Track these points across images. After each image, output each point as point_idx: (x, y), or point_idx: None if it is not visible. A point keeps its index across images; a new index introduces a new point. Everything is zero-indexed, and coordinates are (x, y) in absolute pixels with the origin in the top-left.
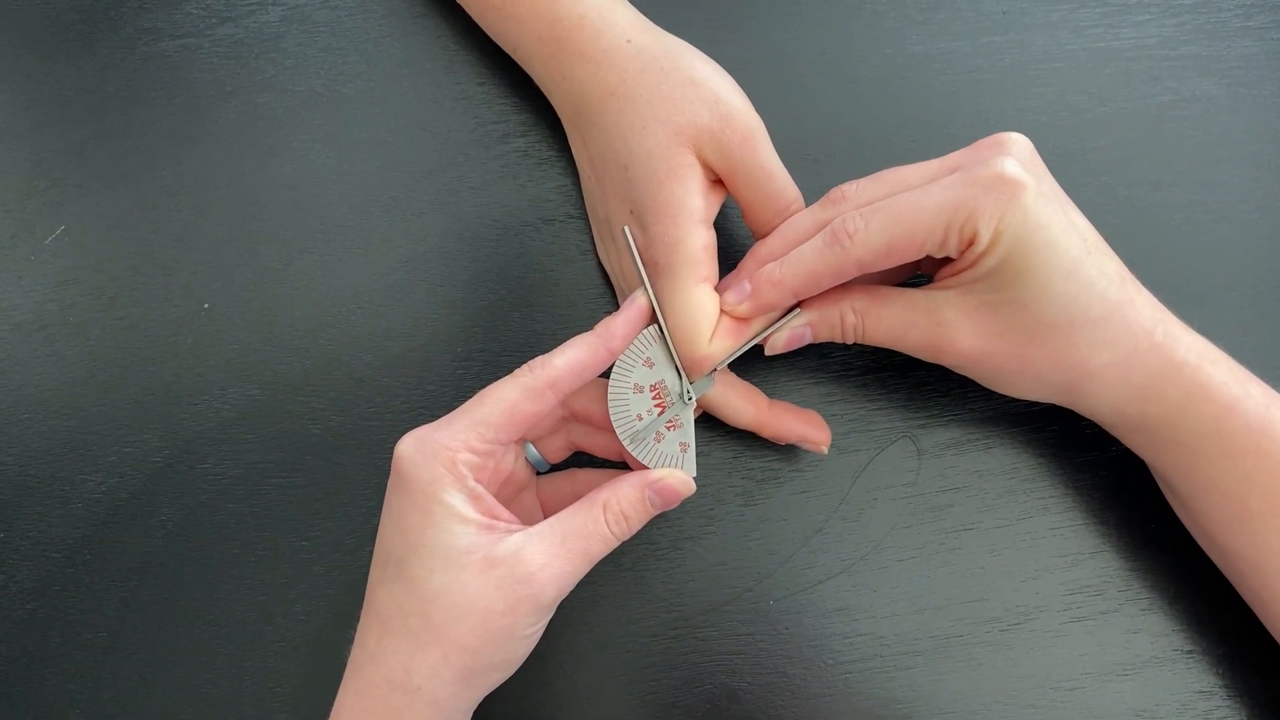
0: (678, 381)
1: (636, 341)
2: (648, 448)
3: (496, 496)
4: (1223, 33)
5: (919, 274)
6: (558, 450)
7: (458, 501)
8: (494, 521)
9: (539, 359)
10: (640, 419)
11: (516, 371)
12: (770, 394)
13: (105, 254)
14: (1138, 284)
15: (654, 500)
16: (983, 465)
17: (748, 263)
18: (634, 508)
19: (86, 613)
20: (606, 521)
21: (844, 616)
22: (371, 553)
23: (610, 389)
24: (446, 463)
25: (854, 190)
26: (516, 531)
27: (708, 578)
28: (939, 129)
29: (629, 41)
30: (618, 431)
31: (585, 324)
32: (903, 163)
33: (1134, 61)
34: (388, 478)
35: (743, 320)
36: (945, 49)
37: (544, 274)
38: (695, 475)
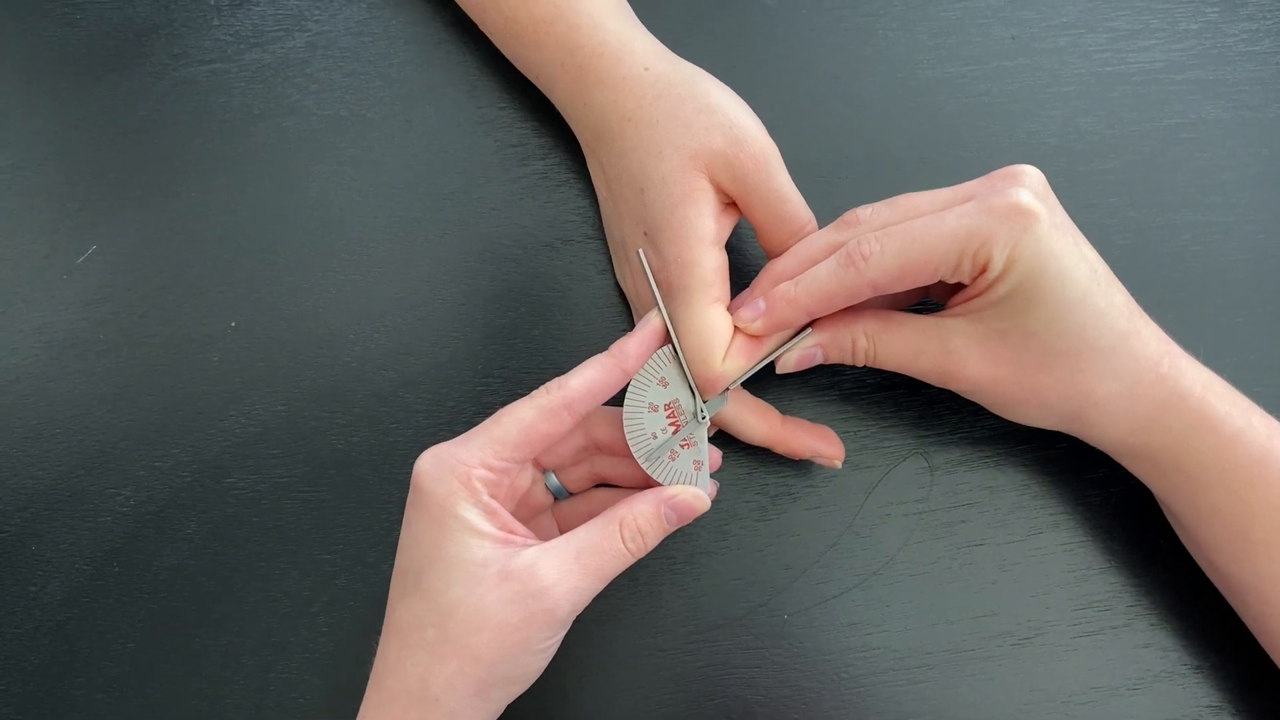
0: (691, 400)
1: (651, 361)
2: (662, 466)
3: (513, 515)
4: (1228, 57)
5: (927, 299)
6: (580, 481)
7: (473, 515)
8: (510, 536)
9: (555, 381)
10: (655, 437)
11: (534, 393)
12: (783, 411)
13: (135, 273)
14: (1145, 316)
15: (669, 516)
16: (994, 482)
17: (762, 280)
18: (649, 524)
19: (115, 623)
20: (622, 538)
21: (857, 630)
22: (393, 566)
23: (625, 408)
24: (462, 478)
25: (868, 214)
26: (532, 546)
27: (723, 592)
28: (949, 151)
29: (647, 69)
30: (632, 450)
31: (603, 342)
32: (914, 184)
33: (1141, 85)
34: (409, 492)
35: (755, 339)
36: (955, 73)
37: (563, 293)
38: (709, 493)
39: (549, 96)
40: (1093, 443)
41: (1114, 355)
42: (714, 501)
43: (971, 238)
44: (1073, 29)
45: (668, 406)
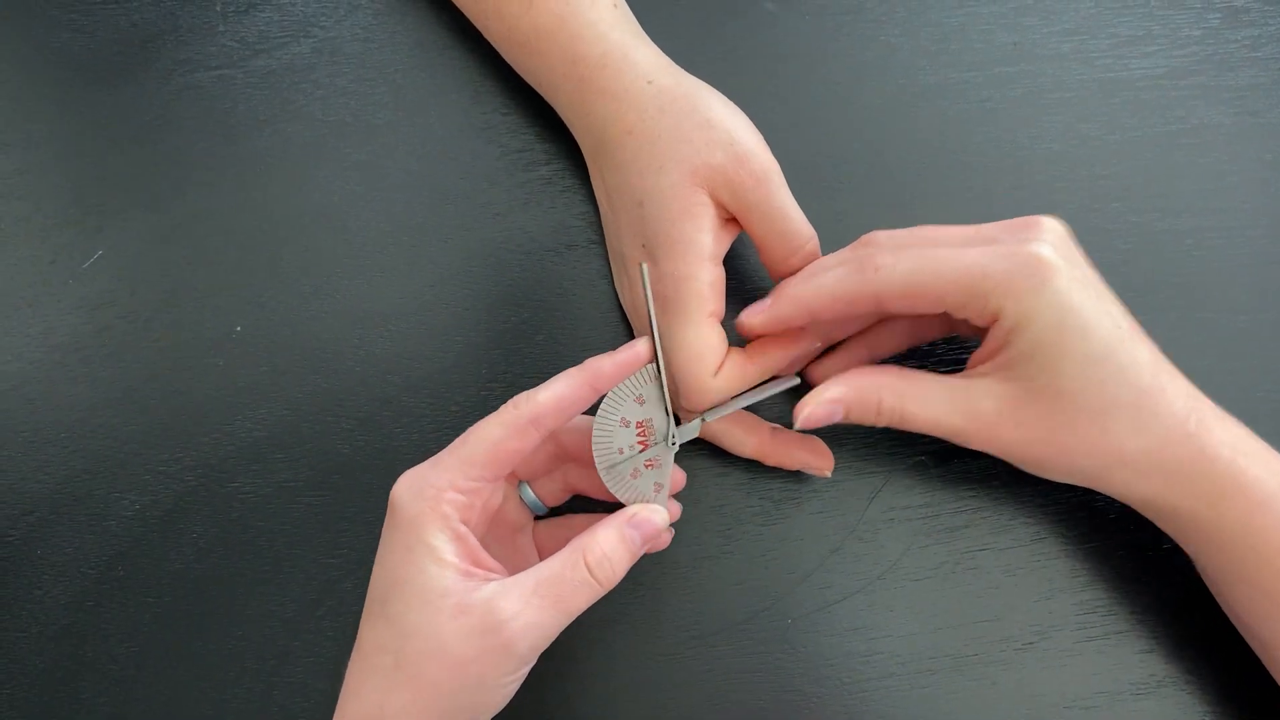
0: (665, 423)
1: (632, 377)
2: (623, 481)
3: (489, 536)
4: (1230, 63)
5: (954, 334)
6: (555, 493)
7: (439, 542)
8: (472, 568)
9: (523, 395)
10: (621, 452)
11: (501, 408)
12: (784, 418)
13: (140, 278)
14: (1172, 371)
15: (632, 537)
16: (997, 487)
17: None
18: (614, 548)
19: (120, 627)
20: (588, 565)
21: (861, 635)
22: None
23: (598, 417)
24: (432, 502)
25: (885, 237)
26: (494, 580)
27: (726, 596)
28: (953, 157)
29: (650, 82)
30: (596, 459)
31: (605, 347)
32: (916, 190)
33: (1143, 91)
34: (386, 514)
35: (748, 360)
36: (957, 79)
37: (566, 298)
38: (671, 514)
39: (552, 104)
40: (1121, 499)
41: (1138, 412)
42: (717, 506)
43: (985, 279)
44: (1075, 35)
45: (640, 425)
